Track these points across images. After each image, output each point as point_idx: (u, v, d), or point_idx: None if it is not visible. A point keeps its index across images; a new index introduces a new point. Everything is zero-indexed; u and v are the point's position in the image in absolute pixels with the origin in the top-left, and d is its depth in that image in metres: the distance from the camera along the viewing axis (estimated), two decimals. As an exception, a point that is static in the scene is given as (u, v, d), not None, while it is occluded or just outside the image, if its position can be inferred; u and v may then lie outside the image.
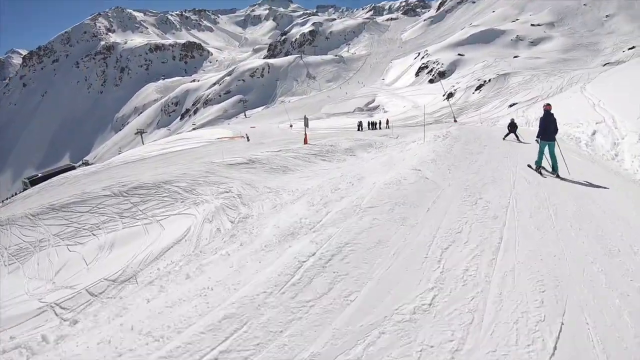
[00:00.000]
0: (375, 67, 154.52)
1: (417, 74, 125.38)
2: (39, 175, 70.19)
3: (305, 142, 28.81)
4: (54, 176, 51.50)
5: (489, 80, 78.67)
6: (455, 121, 51.05)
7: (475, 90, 78.71)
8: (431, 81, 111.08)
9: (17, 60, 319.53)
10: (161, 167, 29.83)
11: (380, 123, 52.27)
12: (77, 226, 22.97)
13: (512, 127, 21.99)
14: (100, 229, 21.35)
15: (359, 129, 49.04)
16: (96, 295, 13.27)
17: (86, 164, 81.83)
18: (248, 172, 21.84)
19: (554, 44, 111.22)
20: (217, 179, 21.25)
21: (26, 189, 54.76)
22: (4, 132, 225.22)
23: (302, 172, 20.10)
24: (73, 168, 64.70)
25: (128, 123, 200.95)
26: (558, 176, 12.42)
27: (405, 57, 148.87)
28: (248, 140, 42.59)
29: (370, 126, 51.34)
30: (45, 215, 26.48)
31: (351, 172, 14.95)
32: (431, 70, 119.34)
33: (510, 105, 55.60)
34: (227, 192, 18.52)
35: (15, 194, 59.79)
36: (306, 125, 32.52)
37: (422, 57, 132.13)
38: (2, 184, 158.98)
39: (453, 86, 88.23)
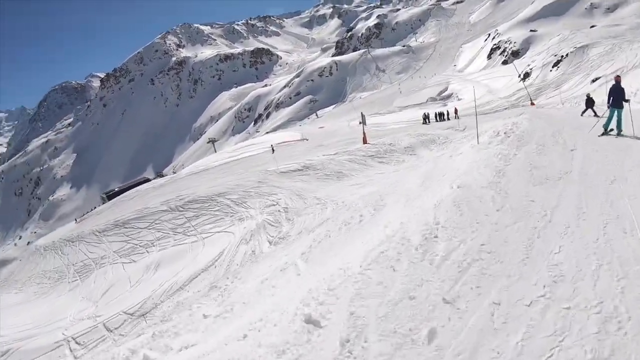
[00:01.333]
0: (446, 53, 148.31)
1: (489, 57, 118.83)
2: (115, 189, 72.82)
3: (364, 141, 26.78)
4: (128, 190, 52.90)
5: (567, 55, 71.90)
6: (532, 104, 45.30)
7: (553, 67, 72.35)
8: (505, 62, 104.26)
9: (96, 84, 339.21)
10: (220, 178, 29.07)
11: (448, 113, 46.72)
12: (135, 243, 22.67)
13: (589, 102, 21.88)
14: (154, 245, 20.83)
15: (424, 122, 44.19)
16: (111, 331, 12.73)
17: (160, 176, 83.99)
18: (301, 180, 20.38)
19: (632, 8, 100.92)
20: (268, 190, 19.99)
21: (104, 203, 56.61)
22: (89, 151, 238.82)
23: (356, 178, 18.29)
24: (148, 180, 66.22)
25: (205, 132, 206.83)
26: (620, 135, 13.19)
27: (476, 40, 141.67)
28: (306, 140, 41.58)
29: (437, 117, 46.46)
30: (109, 231, 26.60)
31: (384, 190, 13.04)
32: (504, 51, 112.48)
33: (594, 80, 49.89)
34: (274, 204, 17.20)
35: (93, 208, 62.02)
36: (363, 123, 30.23)
37: (493, 38, 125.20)
38: (90, 199, 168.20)
39: (528, 65, 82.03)
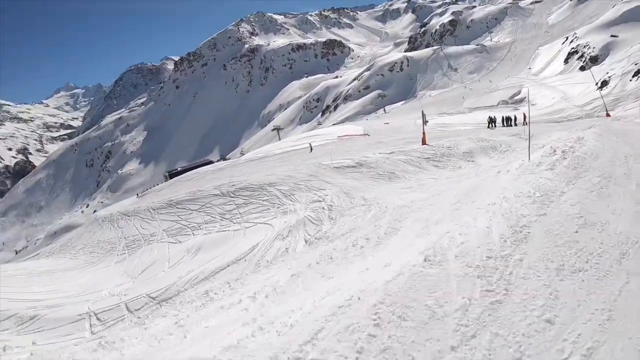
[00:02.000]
0: (521, 55, 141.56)
1: (566, 61, 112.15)
2: (178, 169, 74.70)
3: (424, 142, 25.61)
4: (190, 170, 54.07)
5: None
6: (607, 115, 41.57)
7: (633, 76, 67.46)
8: (582, 68, 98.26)
9: (170, 66, 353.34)
10: (276, 167, 28.96)
11: (516, 119, 42.76)
12: (184, 224, 22.83)
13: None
14: (200, 228, 20.87)
15: (489, 126, 41.37)
16: (132, 312, 12.76)
17: (224, 159, 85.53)
18: (352, 177, 19.72)
19: None
20: (318, 184, 19.46)
21: (165, 181, 58.14)
22: (159, 130, 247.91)
23: (408, 182, 17.41)
24: (210, 163, 67.41)
25: (273, 119, 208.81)
26: None
27: (553, 43, 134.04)
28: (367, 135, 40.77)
29: (504, 122, 43.02)
30: (163, 210, 27.05)
31: (425, 200, 12.28)
32: (582, 56, 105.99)
33: None
34: (319, 200, 16.63)
35: (155, 185, 63.85)
36: (424, 122, 28.71)
37: (571, 41, 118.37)
38: (156, 175, 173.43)
39: (607, 73, 76.81)
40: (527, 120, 40.57)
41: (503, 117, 44.08)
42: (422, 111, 31.31)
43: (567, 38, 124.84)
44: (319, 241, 11.85)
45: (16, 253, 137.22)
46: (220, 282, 10.99)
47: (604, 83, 70.36)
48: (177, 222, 23.73)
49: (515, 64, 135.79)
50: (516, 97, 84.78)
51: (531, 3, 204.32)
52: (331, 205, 15.50)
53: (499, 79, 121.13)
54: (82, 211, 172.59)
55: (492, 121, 42.12)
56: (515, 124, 41.15)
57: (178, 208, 25.85)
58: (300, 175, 22.08)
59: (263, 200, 20.15)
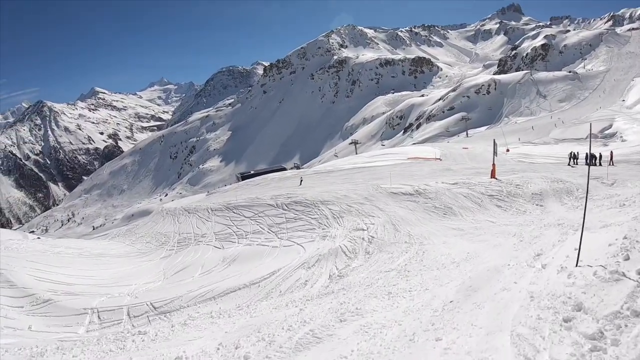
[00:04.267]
0: (615, 85, 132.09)
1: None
2: (251, 172, 75.90)
3: (492, 175, 23.86)
4: (262, 175, 54.60)
5: None
6: None
7: None
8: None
9: (259, 71, 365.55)
10: (336, 184, 28.32)
11: (601, 157, 37.18)
12: (234, 229, 22.73)
13: None
14: (246, 237, 20.58)
15: (570, 163, 36.77)
16: (131, 317, 12.68)
17: (298, 167, 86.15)
18: (407, 206, 18.65)
19: None
20: (369, 209, 18.59)
21: (237, 182, 58.99)
22: (244, 130, 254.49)
23: (462, 222, 16.01)
24: (284, 169, 67.95)
25: (355, 132, 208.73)
26: None
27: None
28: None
29: (588, 160, 36.69)
30: (220, 212, 27.19)
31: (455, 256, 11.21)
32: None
33: None
34: (363, 229, 15.75)
35: (226, 185, 65.06)
36: (495, 153, 26.37)
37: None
38: (235, 175, 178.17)
39: None
40: (612, 160, 35.69)
41: (587, 154, 38.78)
42: (494, 140, 29.14)
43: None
44: (341, 281, 11.11)
45: (93, 229, 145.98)
46: (215, 309, 10.77)
47: None
48: (229, 226, 23.66)
49: (608, 95, 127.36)
50: (606, 132, 79.31)
51: (629, 30, 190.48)
52: (372, 237, 14.65)
53: (590, 111, 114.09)
54: (161, 199, 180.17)
55: (574, 157, 37.38)
56: (600, 164, 36.21)
57: (234, 213, 25.82)
58: (355, 196, 21.31)
59: (312, 218, 19.57)
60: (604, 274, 6.42)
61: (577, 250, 7.78)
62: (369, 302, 8.43)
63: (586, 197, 9.72)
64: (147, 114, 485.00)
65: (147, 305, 13.21)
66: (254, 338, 7.33)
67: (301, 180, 34.22)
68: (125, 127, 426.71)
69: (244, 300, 11.76)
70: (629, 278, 6.08)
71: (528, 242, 11.67)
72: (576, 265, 7.43)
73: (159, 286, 15.65)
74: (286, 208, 22.65)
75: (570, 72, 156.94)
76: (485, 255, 11.18)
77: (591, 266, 6.98)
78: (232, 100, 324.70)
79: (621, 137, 70.20)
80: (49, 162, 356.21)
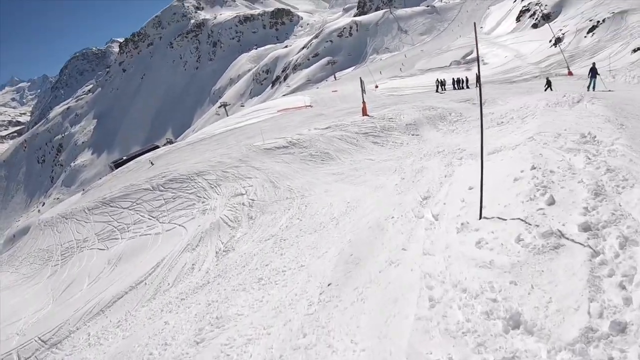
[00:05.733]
0: (472, 14, 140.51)
1: (518, 19, 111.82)
2: (124, 158, 71.50)
3: (364, 113, 24.03)
4: (136, 158, 51.52)
5: (603, 20, 66.39)
6: (569, 73, 37.55)
7: (588, 33, 67.16)
8: (534, 26, 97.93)
9: (116, 49, 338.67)
10: (209, 151, 27.19)
11: (467, 80, 39.21)
12: (114, 225, 21.23)
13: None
14: (128, 231, 19.29)
15: (437, 90, 37.09)
16: None
17: (170, 142, 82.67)
18: (282, 160, 18.30)
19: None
20: (245, 171, 18.02)
21: (112, 171, 55.33)
22: (109, 116, 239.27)
23: (340, 165, 16.00)
24: (157, 147, 64.63)
25: (224, 95, 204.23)
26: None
27: (504, 1, 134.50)
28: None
29: (455, 85, 38.52)
30: (97, 210, 25.26)
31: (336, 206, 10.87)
32: (534, 14, 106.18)
33: (635, 50, 45.25)
34: (242, 194, 15.26)
35: (99, 178, 61.03)
36: (363, 91, 26.41)
37: (523, 0, 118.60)
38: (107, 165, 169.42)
39: (560, 30, 76.61)
40: (479, 82, 37.38)
41: (453, 79, 40.84)
42: (360, 78, 29.33)
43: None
44: (228, 255, 10.49)
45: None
46: (99, 328, 10.00)
47: (558, 40, 69.53)
48: (109, 223, 22.09)
49: (466, 24, 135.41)
50: (468, 57, 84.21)
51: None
52: (253, 200, 14.24)
53: (450, 40, 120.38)
54: (39, 210, 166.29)
55: (441, 84, 38.40)
56: (468, 86, 38.20)
57: (111, 207, 24.10)
58: (230, 160, 20.63)
59: (189, 194, 18.69)
60: (532, 239, 4.93)
61: (480, 196, 6.27)
62: (237, 299, 7.74)
63: (481, 123, 6.75)
64: (4, 120, 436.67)
65: (35, 341, 11.91)
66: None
67: (151, 163, 32.75)
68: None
69: (133, 304, 11.00)
70: (575, 241, 4.70)
71: (410, 179, 11.03)
72: (480, 218, 6.11)
73: (48, 312, 14.17)
74: (163, 189, 21.40)
75: (428, 6, 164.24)
76: (367, 204, 10.51)
77: (503, 219, 5.66)
78: (92, 85, 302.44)
79: (483, 60, 74.82)
80: None
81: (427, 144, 15.96)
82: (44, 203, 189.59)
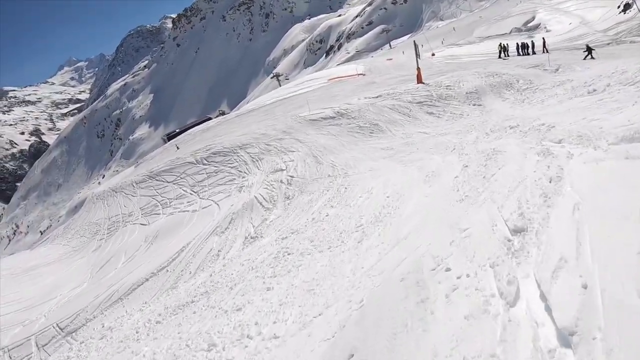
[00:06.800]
0: None
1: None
2: (176, 131, 72.06)
3: (419, 80, 22.07)
4: (187, 130, 51.55)
5: None
6: None
7: None
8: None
9: (169, 25, 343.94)
10: (256, 123, 26.09)
11: (534, 46, 35.87)
12: (158, 200, 20.69)
13: (589, 49, 23.76)
14: (169, 206, 18.61)
15: (500, 56, 34.40)
16: (39, 348, 10.82)
17: (223, 113, 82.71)
18: (328, 132, 16.91)
19: None
20: (288, 144, 16.79)
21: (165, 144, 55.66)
22: (166, 90, 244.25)
23: (390, 138, 14.33)
24: (209, 119, 64.68)
25: (278, 65, 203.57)
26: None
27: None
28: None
29: (519, 50, 35.55)
30: (144, 183, 24.81)
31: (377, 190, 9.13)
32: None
33: None
34: (281, 169, 14.01)
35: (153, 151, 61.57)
36: (418, 56, 24.33)
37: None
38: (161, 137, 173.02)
39: (629, -5, 70.38)
40: (547, 47, 33.68)
41: (518, 44, 37.58)
42: (414, 42, 27.24)
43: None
44: (255, 242, 9.30)
45: (41, 234, 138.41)
46: (117, 315, 8.91)
47: (627, 6, 63.88)
48: (154, 197, 21.58)
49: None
50: (530, 24, 79.18)
51: None
52: (292, 177, 12.99)
53: (511, 6, 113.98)
54: (99, 182, 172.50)
55: (504, 49, 35.60)
56: (534, 52, 34.80)
57: (157, 180, 23.57)
58: (274, 132, 19.42)
59: (231, 167, 17.73)
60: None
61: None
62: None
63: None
64: (64, 99, 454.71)
65: (53, 328, 11.36)
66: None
67: (177, 147, 32.16)
68: (45, 119, 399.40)
69: (151, 294, 10.19)
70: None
71: (478, 171, 7.80)
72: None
73: (84, 290, 13.69)
74: (206, 162, 20.57)
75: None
76: (409, 208, 7.69)
77: None
78: (147, 61, 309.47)
79: (545, 27, 70.02)
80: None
81: (493, 115, 13.90)
82: (104, 175, 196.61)
